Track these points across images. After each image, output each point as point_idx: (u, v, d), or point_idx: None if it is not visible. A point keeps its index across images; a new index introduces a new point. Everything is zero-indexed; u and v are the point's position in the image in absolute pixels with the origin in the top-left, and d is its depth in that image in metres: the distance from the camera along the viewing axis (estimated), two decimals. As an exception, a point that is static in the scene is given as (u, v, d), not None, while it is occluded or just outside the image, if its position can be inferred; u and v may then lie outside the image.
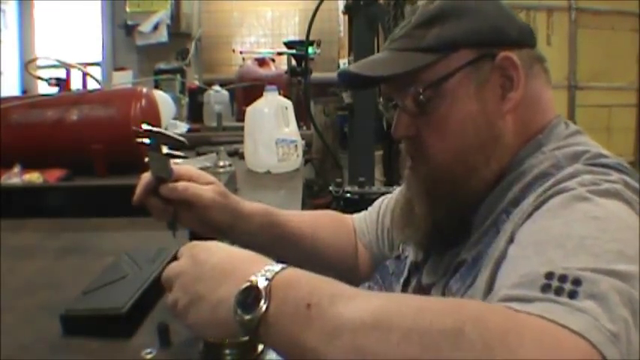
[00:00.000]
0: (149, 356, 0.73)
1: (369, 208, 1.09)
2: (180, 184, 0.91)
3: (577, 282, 0.52)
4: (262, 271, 0.61)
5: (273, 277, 0.59)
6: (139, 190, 0.91)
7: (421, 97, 0.76)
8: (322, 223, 1.06)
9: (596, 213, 0.59)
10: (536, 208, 0.64)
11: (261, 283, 0.59)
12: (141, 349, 0.74)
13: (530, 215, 0.64)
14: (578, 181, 0.64)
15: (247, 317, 0.58)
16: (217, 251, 0.69)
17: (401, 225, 0.85)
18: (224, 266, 0.65)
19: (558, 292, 0.52)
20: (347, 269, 1.03)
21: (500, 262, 0.63)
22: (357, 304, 0.54)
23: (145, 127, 0.89)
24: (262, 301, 0.57)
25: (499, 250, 0.66)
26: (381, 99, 0.88)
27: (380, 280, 0.90)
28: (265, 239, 0.96)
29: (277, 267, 0.61)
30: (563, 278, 0.52)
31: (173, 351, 0.74)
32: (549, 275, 0.53)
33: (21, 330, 0.81)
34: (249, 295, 0.59)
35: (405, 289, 0.83)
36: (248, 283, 0.59)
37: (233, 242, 1.04)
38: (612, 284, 0.52)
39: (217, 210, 0.92)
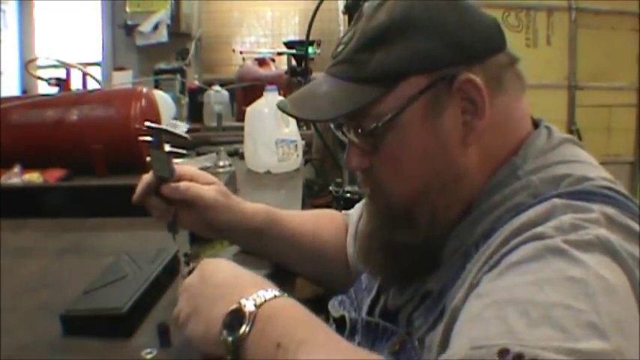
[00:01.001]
0: (149, 356, 0.73)
1: (355, 207, 1.05)
2: (182, 184, 0.91)
3: None
4: (254, 295, 0.62)
5: (261, 305, 0.61)
6: (139, 189, 0.90)
7: (370, 134, 0.67)
8: (323, 223, 1.05)
9: (571, 272, 0.51)
10: (505, 254, 0.56)
11: (248, 308, 0.61)
12: (141, 349, 0.74)
13: (497, 263, 0.56)
14: (554, 225, 0.55)
15: (229, 338, 0.60)
16: (224, 269, 0.70)
17: (363, 259, 0.79)
18: (226, 285, 0.66)
19: None
20: (343, 270, 1.02)
21: (458, 312, 0.56)
22: (321, 354, 0.55)
23: (147, 124, 0.90)
24: (244, 326, 0.60)
25: (458, 299, 0.58)
26: (332, 126, 0.79)
27: (353, 294, 0.87)
28: (266, 239, 0.96)
29: (270, 294, 0.62)
30: (518, 358, 0.45)
31: (173, 351, 0.74)
32: (503, 352, 0.45)
33: (21, 330, 0.81)
34: (235, 318, 0.61)
35: (372, 309, 0.79)
36: (237, 305, 0.61)
37: (233, 243, 1.04)
38: None
39: (219, 210, 0.91)
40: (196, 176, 0.94)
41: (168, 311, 0.86)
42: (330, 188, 1.72)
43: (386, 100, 0.66)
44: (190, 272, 0.92)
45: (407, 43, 0.65)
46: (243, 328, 0.60)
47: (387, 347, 0.70)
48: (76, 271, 1.03)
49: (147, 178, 0.92)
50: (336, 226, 1.06)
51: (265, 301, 0.61)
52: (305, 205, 1.66)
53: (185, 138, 0.93)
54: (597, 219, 0.56)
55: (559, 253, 0.52)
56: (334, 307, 0.86)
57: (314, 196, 2.28)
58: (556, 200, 0.59)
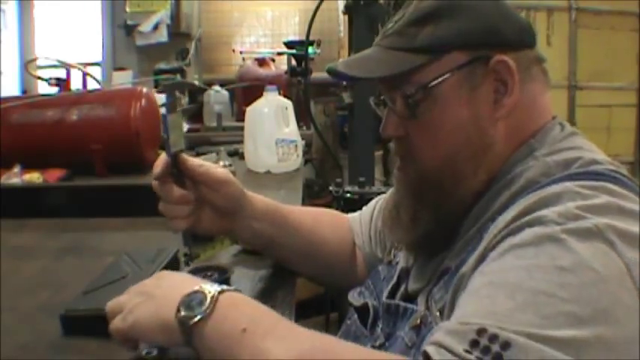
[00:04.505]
0: (149, 356, 0.73)
1: (364, 208, 1.08)
2: (196, 161, 0.90)
3: (506, 345, 0.50)
4: (216, 285, 0.65)
5: (222, 291, 0.64)
6: (159, 166, 0.86)
7: (411, 99, 0.74)
8: (322, 220, 1.05)
9: (563, 262, 0.55)
10: (510, 234, 0.61)
11: (210, 291, 0.63)
12: (141, 349, 0.74)
13: (503, 239, 0.61)
14: (559, 211, 0.59)
15: (187, 314, 0.62)
16: (180, 274, 0.76)
17: (389, 227, 0.84)
18: (182, 280, 0.69)
19: (484, 351, 0.51)
20: (343, 268, 1.03)
21: (466, 280, 0.62)
22: (287, 344, 0.59)
23: (164, 83, 0.90)
24: (206, 305, 0.62)
25: (468, 266, 0.65)
26: (372, 99, 0.87)
27: (371, 285, 0.89)
28: (267, 226, 0.95)
29: (231, 288, 0.66)
30: (493, 338, 0.51)
31: (173, 351, 0.74)
32: (481, 332, 0.52)
33: (21, 330, 0.81)
34: (195, 298, 0.63)
35: (392, 295, 0.82)
36: (197, 287, 0.64)
37: (238, 235, 1.02)
38: (542, 355, 0.50)
39: (231, 184, 0.91)
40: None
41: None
42: (330, 188, 1.72)
43: (429, 69, 0.72)
44: (190, 272, 0.92)
45: (453, 21, 0.72)
46: (205, 307, 0.62)
47: (409, 323, 0.72)
48: (76, 271, 1.03)
49: (163, 157, 0.87)
50: (335, 224, 1.06)
51: (227, 289, 0.65)
52: (305, 205, 1.66)
53: (199, 87, 0.92)
54: (602, 205, 0.60)
55: (555, 241, 0.57)
56: (354, 297, 0.89)
57: (314, 196, 2.29)
58: (568, 184, 0.63)
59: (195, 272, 0.93)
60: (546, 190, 0.63)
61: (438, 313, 0.69)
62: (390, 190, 1.01)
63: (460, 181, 0.73)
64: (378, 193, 1.63)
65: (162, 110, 0.83)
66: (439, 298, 0.71)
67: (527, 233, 0.59)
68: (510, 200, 0.68)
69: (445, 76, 0.72)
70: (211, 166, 0.91)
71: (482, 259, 0.63)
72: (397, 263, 0.87)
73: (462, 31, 0.72)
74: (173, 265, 0.98)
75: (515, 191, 0.69)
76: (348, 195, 1.66)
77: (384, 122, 0.79)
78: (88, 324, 0.78)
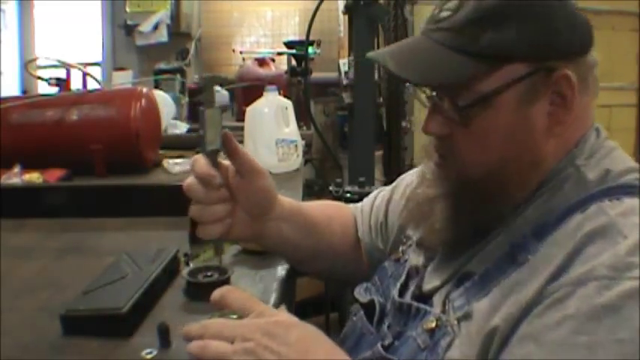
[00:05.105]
0: (149, 356, 0.73)
1: (364, 199, 1.07)
2: (239, 147, 0.83)
3: None
4: None
5: None
6: (201, 165, 0.78)
7: (465, 106, 0.69)
8: (332, 215, 1.03)
9: (621, 334, 0.56)
10: (559, 299, 0.59)
11: None
12: (141, 349, 0.74)
13: (550, 305, 0.60)
14: (610, 263, 0.59)
15: None
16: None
17: (416, 222, 0.81)
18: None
19: None
20: (350, 263, 1.02)
21: (501, 335, 0.61)
22: None
23: (200, 75, 0.84)
24: None
25: (505, 320, 0.62)
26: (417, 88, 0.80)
27: (378, 281, 0.88)
28: (293, 228, 0.92)
29: None
30: None
31: (173, 351, 0.74)
32: None
33: (21, 330, 0.81)
34: None
35: (402, 294, 0.80)
36: None
37: (262, 248, 0.99)
38: None
39: (265, 179, 0.86)
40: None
41: (168, 311, 0.86)
42: (330, 188, 1.72)
43: (488, 79, 0.67)
44: (191, 272, 0.92)
45: (519, 27, 0.66)
46: None
47: (422, 324, 0.70)
48: (76, 271, 1.03)
49: (201, 156, 0.80)
50: (345, 217, 1.05)
51: None
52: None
53: (232, 81, 0.87)
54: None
55: (612, 311, 0.57)
56: (360, 293, 0.87)
57: (314, 196, 2.28)
58: (606, 210, 0.64)
59: (195, 272, 0.93)
60: (589, 224, 0.63)
61: (456, 322, 0.67)
62: (399, 181, 0.99)
63: (503, 193, 0.71)
64: (378, 193, 1.64)
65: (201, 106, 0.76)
66: (459, 305, 0.68)
67: (581, 300, 0.58)
68: (546, 218, 0.67)
69: (504, 87, 0.67)
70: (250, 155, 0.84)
71: (524, 313, 0.61)
72: (406, 261, 0.85)
73: (528, 40, 0.67)
74: (173, 265, 0.98)
75: (550, 208, 0.67)
76: (348, 195, 1.66)
77: (428, 118, 0.74)
78: (88, 324, 0.78)
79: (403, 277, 0.83)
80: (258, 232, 0.88)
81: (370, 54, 0.75)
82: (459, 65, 0.67)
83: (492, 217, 0.72)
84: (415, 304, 0.75)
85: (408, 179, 0.98)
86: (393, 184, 1.03)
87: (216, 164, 0.79)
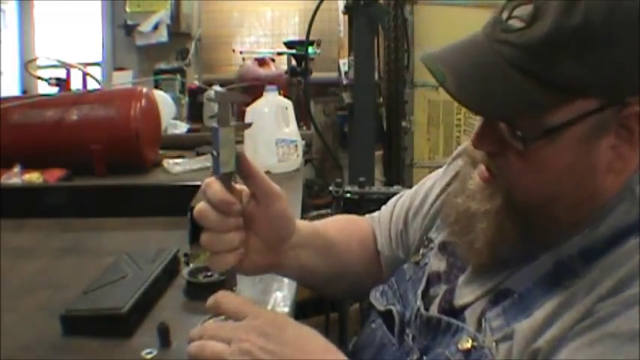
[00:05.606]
0: (149, 356, 0.73)
1: (382, 208, 1.01)
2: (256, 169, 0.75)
3: None
4: None
5: None
6: (217, 191, 0.70)
7: (526, 136, 0.63)
8: (350, 234, 0.96)
9: None
10: (602, 320, 0.57)
11: None
12: (141, 349, 0.74)
13: (592, 326, 0.58)
14: None
15: None
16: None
17: (454, 232, 0.75)
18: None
19: None
20: (371, 280, 0.93)
21: (542, 355, 0.59)
22: None
23: (214, 89, 0.79)
24: None
25: (547, 341, 0.60)
26: None
27: (395, 284, 0.84)
28: (312, 254, 0.85)
29: None
30: None
31: (173, 351, 0.74)
32: None
33: (21, 330, 0.81)
34: None
35: (425, 300, 0.76)
36: None
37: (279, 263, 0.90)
38: None
39: (282, 202, 0.76)
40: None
41: (168, 311, 0.86)
42: (330, 188, 1.72)
43: (557, 111, 0.61)
44: (191, 272, 0.92)
45: (598, 59, 0.59)
46: None
47: (456, 342, 0.67)
48: (76, 271, 1.03)
49: (214, 180, 0.71)
50: (363, 233, 0.99)
51: None
52: (305, 205, 1.66)
53: (247, 87, 0.80)
54: None
55: None
56: (377, 298, 0.84)
57: (314, 196, 2.28)
58: None
59: (195, 272, 0.93)
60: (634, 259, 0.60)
61: (494, 344, 0.64)
62: (434, 184, 0.92)
63: (552, 221, 0.67)
64: (378, 193, 1.63)
65: (213, 123, 0.68)
66: (497, 327, 0.65)
67: (624, 322, 0.56)
68: (594, 242, 0.64)
69: (573, 121, 0.61)
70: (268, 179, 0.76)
71: (568, 335, 0.59)
72: (426, 264, 0.82)
73: (610, 74, 0.59)
74: (173, 265, 0.98)
75: (601, 232, 0.64)
76: (348, 195, 1.66)
77: (479, 133, 0.67)
78: (88, 324, 0.78)
79: (423, 284, 0.79)
80: (275, 262, 0.79)
81: (425, 59, 0.66)
82: (530, 94, 0.60)
83: (538, 242, 0.68)
84: (445, 318, 0.71)
85: (429, 184, 0.93)
86: (412, 189, 0.97)
87: (230, 188, 0.71)
